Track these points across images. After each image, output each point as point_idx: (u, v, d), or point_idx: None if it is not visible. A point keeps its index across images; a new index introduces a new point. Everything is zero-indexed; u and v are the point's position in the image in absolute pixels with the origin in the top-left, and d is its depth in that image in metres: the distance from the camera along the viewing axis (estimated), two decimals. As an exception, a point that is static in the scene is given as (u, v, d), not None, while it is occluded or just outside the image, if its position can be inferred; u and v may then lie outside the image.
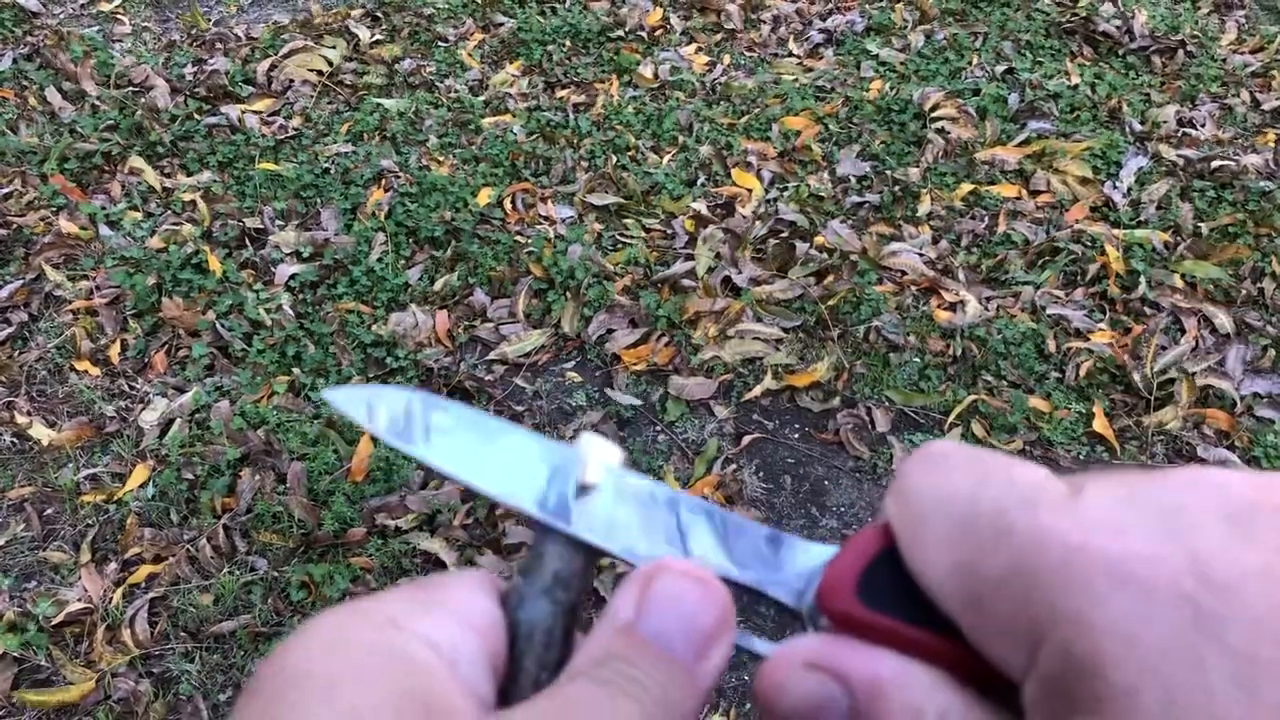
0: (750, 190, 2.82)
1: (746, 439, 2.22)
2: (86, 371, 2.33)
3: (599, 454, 0.29)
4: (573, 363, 2.39)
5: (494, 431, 0.30)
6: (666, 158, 2.94)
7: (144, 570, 1.96)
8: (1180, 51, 3.37)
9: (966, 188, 2.82)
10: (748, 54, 3.43)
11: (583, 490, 0.28)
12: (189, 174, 2.82)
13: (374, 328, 2.39)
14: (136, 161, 2.81)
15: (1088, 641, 0.19)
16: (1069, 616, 0.20)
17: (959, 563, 0.22)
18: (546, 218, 2.73)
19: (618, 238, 2.70)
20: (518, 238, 2.65)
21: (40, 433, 2.19)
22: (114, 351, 2.36)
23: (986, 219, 2.74)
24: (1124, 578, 0.19)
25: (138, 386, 2.30)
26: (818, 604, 0.25)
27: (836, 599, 0.25)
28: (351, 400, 0.30)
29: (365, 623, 0.24)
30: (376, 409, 0.30)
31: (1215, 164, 2.86)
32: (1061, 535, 0.20)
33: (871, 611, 0.24)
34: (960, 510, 0.23)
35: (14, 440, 2.21)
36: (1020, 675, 0.21)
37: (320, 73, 3.20)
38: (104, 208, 2.67)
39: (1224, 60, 3.36)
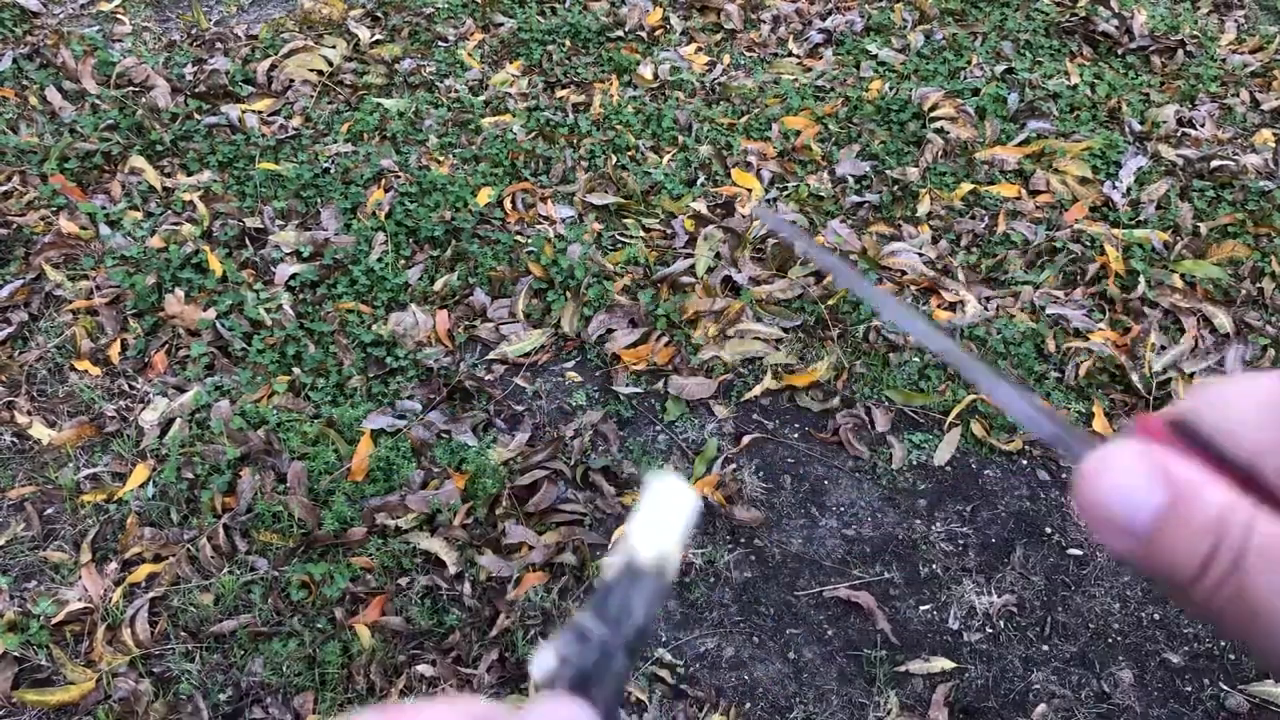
0: (750, 190, 2.82)
1: (746, 439, 2.23)
2: (86, 371, 2.33)
3: (660, 515, 0.31)
4: (573, 362, 2.40)
5: None
6: (666, 157, 2.94)
7: (144, 570, 1.96)
8: (1180, 51, 3.37)
9: (966, 188, 2.82)
10: (747, 54, 3.44)
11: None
12: (189, 174, 2.82)
13: (374, 327, 2.39)
14: (137, 161, 2.81)
15: None
16: None
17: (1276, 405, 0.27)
18: (546, 217, 2.73)
19: (617, 237, 2.70)
20: (517, 237, 2.65)
21: (40, 432, 2.20)
22: (114, 351, 2.36)
23: (986, 219, 2.74)
24: None
25: (138, 386, 2.30)
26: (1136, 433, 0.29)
27: (1153, 431, 0.28)
28: None
29: None
30: None
31: (1214, 164, 2.86)
32: None
33: (1184, 442, 0.28)
34: (1270, 382, 0.27)
35: (14, 440, 2.21)
36: None
37: (320, 72, 3.20)
38: (104, 207, 2.67)
39: (1223, 60, 3.36)
